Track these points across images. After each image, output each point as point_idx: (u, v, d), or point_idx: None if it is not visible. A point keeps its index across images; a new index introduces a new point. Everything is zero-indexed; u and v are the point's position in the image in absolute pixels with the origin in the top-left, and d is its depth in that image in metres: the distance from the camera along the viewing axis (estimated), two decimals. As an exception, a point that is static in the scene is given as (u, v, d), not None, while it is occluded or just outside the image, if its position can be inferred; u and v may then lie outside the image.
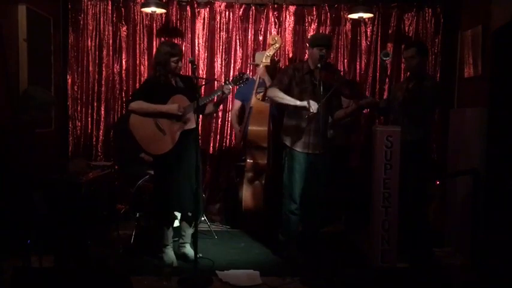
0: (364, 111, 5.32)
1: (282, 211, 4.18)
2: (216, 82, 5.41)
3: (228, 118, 5.54)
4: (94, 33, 5.49)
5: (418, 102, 4.07)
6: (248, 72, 5.46)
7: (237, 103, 5.14)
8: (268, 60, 4.89)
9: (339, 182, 4.88)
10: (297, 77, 4.02)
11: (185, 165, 3.72)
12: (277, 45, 4.98)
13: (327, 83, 3.82)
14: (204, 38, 5.54)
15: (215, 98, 3.93)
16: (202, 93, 4.89)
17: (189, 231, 4.06)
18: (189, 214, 3.91)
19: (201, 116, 3.85)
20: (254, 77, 5.00)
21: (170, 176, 3.80)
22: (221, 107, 4.74)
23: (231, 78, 4.03)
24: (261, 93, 4.91)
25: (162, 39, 5.51)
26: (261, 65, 4.86)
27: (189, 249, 4.03)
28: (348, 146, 5.29)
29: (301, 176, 4.04)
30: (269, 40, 5.08)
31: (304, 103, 3.80)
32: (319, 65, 3.79)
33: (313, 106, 3.77)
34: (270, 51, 4.92)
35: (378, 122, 5.42)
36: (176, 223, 4.16)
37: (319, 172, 3.93)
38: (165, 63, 3.76)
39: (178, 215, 4.11)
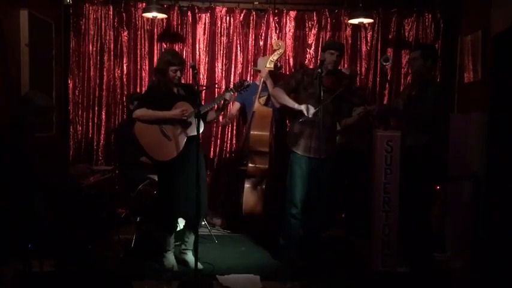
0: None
1: (284, 215, 4.18)
2: (216, 87, 5.44)
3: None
4: (95, 38, 5.51)
5: (422, 108, 4.06)
6: (249, 77, 5.51)
7: (236, 105, 5.13)
8: (272, 66, 4.90)
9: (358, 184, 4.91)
10: (306, 81, 4.04)
11: (189, 171, 3.71)
12: (281, 51, 4.99)
13: (333, 88, 3.83)
14: (205, 43, 5.56)
15: (216, 105, 3.94)
16: (203, 98, 4.93)
17: (192, 238, 4.05)
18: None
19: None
20: (256, 82, 5.01)
21: (175, 182, 3.80)
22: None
23: (231, 85, 4.04)
24: (264, 98, 4.91)
25: (163, 44, 5.53)
26: (264, 72, 4.87)
27: (190, 257, 4.02)
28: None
29: (302, 180, 4.04)
30: (273, 46, 5.09)
31: (302, 107, 3.83)
32: (319, 70, 3.79)
33: (310, 111, 3.78)
34: (273, 56, 4.93)
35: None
36: (179, 226, 4.16)
37: (321, 177, 3.93)
38: (164, 72, 3.77)
39: (181, 220, 4.11)
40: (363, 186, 4.85)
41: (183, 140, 3.77)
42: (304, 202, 4.08)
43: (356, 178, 5.01)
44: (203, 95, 5.07)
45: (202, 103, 3.98)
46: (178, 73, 3.80)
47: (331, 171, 4.06)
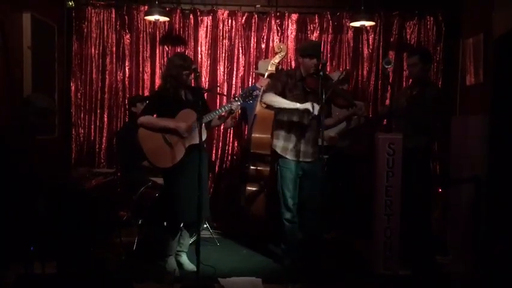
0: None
1: (280, 220, 4.17)
2: (218, 88, 5.45)
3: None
4: (98, 41, 5.53)
5: (421, 110, 4.07)
6: (250, 80, 5.52)
7: None
8: (274, 68, 4.91)
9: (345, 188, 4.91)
10: (290, 83, 3.99)
11: (192, 174, 3.71)
12: (283, 54, 4.99)
13: (317, 90, 3.80)
14: (207, 46, 5.57)
15: (223, 113, 3.93)
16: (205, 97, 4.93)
17: (187, 240, 4.07)
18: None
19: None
20: (258, 85, 5.01)
21: (179, 187, 3.80)
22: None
23: (239, 94, 4.03)
24: None
25: (165, 47, 5.55)
26: (266, 75, 4.87)
27: (185, 259, 4.04)
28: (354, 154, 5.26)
29: (294, 184, 4.02)
30: (275, 48, 5.10)
31: (307, 105, 3.75)
32: (321, 73, 3.76)
33: (316, 108, 3.72)
34: (275, 59, 4.94)
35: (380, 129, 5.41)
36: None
37: (313, 180, 3.91)
38: (177, 76, 3.78)
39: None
40: (364, 189, 4.86)
41: (182, 151, 3.77)
42: (298, 205, 4.07)
43: (355, 181, 5.02)
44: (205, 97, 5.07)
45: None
46: (191, 76, 3.81)
47: (322, 172, 4.02)
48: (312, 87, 3.84)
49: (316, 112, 3.73)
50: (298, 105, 3.83)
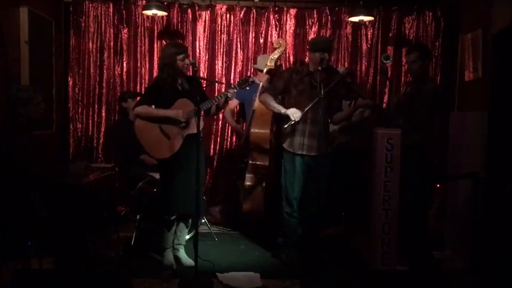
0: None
1: (281, 213, 4.18)
2: (216, 84, 5.43)
3: (228, 121, 5.56)
4: (95, 36, 5.51)
5: (416, 106, 4.05)
6: (249, 75, 5.49)
7: (234, 102, 5.09)
8: (273, 64, 4.89)
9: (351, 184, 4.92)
10: (295, 79, 4.03)
11: (189, 168, 3.71)
12: (282, 49, 4.96)
13: (326, 83, 3.83)
14: (205, 41, 5.55)
15: (220, 100, 3.93)
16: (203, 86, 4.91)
17: (185, 232, 4.06)
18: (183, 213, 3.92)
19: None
20: (256, 80, 4.99)
21: (174, 179, 3.79)
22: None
23: (236, 82, 4.05)
24: None
25: (163, 41, 5.52)
26: (264, 70, 4.86)
27: (183, 254, 4.03)
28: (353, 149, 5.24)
29: (297, 178, 4.04)
30: (274, 44, 5.08)
31: (288, 112, 3.89)
32: (319, 68, 3.79)
33: (296, 115, 3.84)
34: (274, 55, 4.91)
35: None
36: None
37: (317, 174, 3.92)
38: (172, 63, 3.76)
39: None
40: (361, 185, 4.85)
41: (179, 141, 3.76)
42: (300, 200, 4.08)
43: (354, 177, 5.01)
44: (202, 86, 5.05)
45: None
46: (186, 60, 3.80)
47: (326, 168, 4.03)
48: (320, 81, 3.85)
49: (296, 119, 3.85)
50: (282, 111, 3.97)
